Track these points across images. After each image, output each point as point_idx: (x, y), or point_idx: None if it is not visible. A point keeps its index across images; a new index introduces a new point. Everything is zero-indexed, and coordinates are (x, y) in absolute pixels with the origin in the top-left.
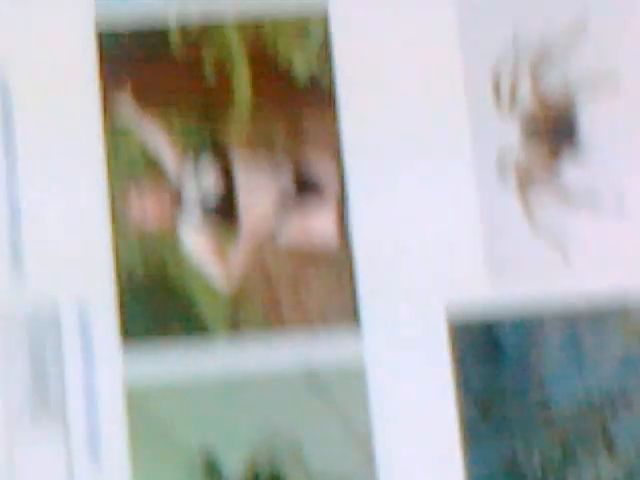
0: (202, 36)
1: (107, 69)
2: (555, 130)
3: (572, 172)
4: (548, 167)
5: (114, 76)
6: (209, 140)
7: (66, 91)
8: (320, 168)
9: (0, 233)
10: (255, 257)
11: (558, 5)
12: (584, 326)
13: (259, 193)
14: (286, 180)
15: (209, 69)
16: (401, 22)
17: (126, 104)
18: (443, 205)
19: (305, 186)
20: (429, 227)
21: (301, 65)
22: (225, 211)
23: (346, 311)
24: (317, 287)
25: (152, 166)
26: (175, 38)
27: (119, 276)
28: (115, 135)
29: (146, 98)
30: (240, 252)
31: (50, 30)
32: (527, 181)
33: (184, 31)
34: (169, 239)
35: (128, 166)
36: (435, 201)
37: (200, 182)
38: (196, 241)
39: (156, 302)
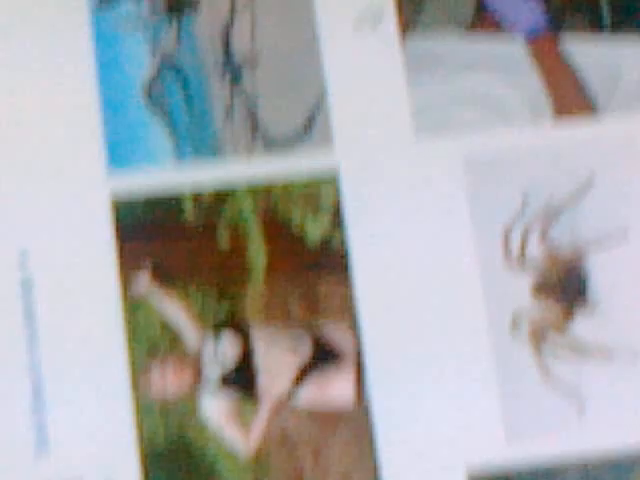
0: (215, 203)
1: (124, 244)
2: (566, 287)
3: (585, 326)
4: (561, 325)
5: (132, 252)
6: (228, 316)
7: (84, 270)
8: (337, 334)
9: (24, 411)
10: (274, 423)
11: (565, 164)
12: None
13: (278, 365)
14: (304, 351)
15: (223, 235)
16: (412, 186)
17: (145, 282)
18: (459, 364)
19: (323, 353)
20: (446, 387)
21: (314, 229)
22: (245, 382)
23: (367, 476)
24: (337, 451)
25: (172, 340)
26: (189, 206)
27: (142, 449)
28: (135, 310)
29: (164, 274)
30: (259, 419)
31: (65, 207)
32: (541, 338)
33: (197, 199)
34: (189, 410)
35: (148, 341)
36: (451, 361)
37: (220, 356)
38: (216, 411)
39: (178, 471)
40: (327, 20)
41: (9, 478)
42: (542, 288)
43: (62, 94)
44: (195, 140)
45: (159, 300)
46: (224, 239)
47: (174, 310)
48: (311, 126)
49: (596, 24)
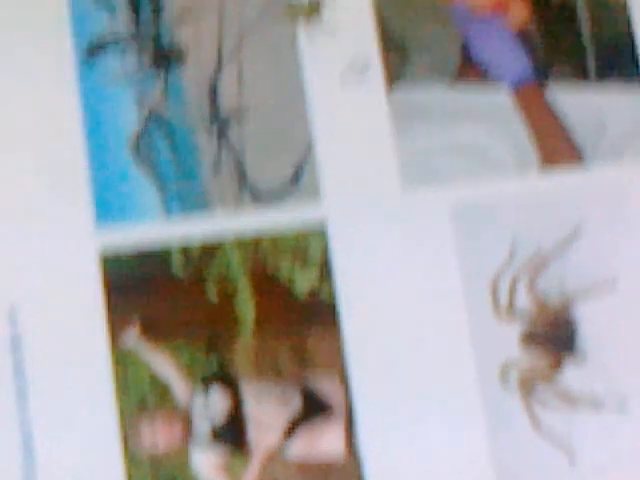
0: (204, 256)
1: (113, 299)
2: (555, 337)
3: (574, 376)
4: (550, 375)
5: (120, 306)
6: (217, 370)
7: (73, 325)
8: (327, 386)
9: (14, 465)
10: (265, 477)
11: (553, 213)
12: None
13: (268, 419)
14: (294, 403)
15: (212, 289)
16: (400, 237)
17: (133, 337)
18: (449, 415)
19: (313, 406)
20: (436, 438)
21: (302, 282)
22: (235, 436)
23: None
24: None
25: (162, 394)
26: (177, 259)
27: None
28: (124, 364)
29: (153, 329)
30: (250, 473)
31: (54, 262)
32: (530, 388)
33: (186, 252)
34: (180, 464)
35: (137, 394)
36: (441, 411)
37: (210, 410)
38: (206, 465)
39: None
40: (314, 72)
41: None
42: (531, 338)
43: (49, 149)
44: (183, 194)
45: (148, 354)
46: (213, 293)
47: (163, 364)
48: (298, 178)
49: (581, 73)
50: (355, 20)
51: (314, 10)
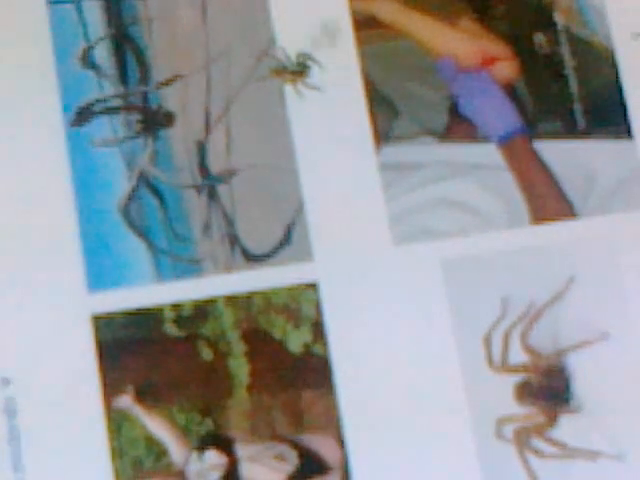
0: (196, 318)
1: (106, 362)
2: (550, 391)
3: (569, 429)
4: (546, 428)
5: (115, 371)
6: (212, 433)
7: (68, 391)
8: (322, 446)
9: None
10: None
11: (544, 266)
12: None
13: None
14: (289, 465)
15: (205, 347)
16: (392, 293)
17: (128, 403)
18: (445, 471)
19: (308, 466)
20: None
21: (295, 340)
22: None
23: None
24: None
25: (158, 456)
26: (169, 321)
27: None
28: (119, 427)
29: (147, 393)
30: None
31: (46, 328)
32: (525, 441)
33: (178, 314)
34: None
35: (133, 457)
36: (438, 467)
37: (205, 473)
38: None
39: None
40: (303, 132)
41: None
42: (525, 392)
43: (38, 213)
44: (174, 256)
45: (143, 418)
46: (206, 353)
47: (158, 427)
48: (290, 238)
49: (570, 126)
50: (343, 79)
51: (300, 74)
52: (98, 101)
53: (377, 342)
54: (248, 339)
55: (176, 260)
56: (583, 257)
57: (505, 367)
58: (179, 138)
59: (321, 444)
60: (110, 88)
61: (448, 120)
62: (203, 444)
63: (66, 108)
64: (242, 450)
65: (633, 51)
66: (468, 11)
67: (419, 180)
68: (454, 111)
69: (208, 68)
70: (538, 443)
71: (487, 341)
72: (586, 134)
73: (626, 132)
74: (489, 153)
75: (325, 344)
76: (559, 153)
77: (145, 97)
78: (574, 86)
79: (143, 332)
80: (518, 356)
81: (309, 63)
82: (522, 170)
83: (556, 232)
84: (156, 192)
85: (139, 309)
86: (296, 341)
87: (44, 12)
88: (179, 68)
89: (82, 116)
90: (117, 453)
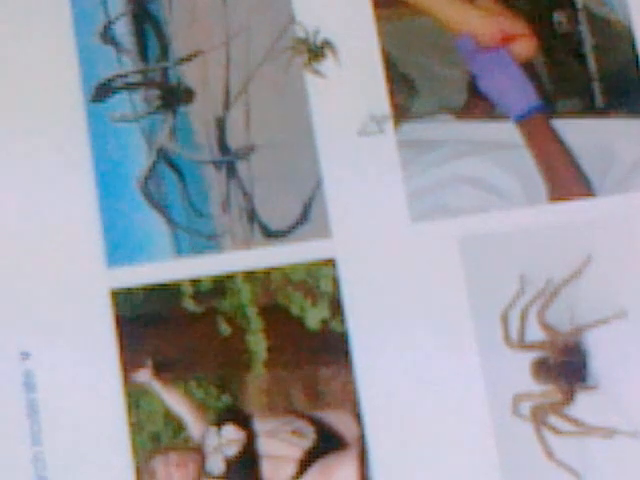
0: (214, 293)
1: (125, 337)
2: (567, 368)
3: (586, 405)
4: (562, 406)
5: (133, 345)
6: (230, 409)
7: (87, 365)
8: (339, 421)
9: None
10: None
11: (562, 244)
12: None
13: (281, 456)
14: (307, 440)
15: (223, 325)
16: (409, 269)
17: (147, 377)
18: (461, 448)
19: (325, 442)
20: (450, 471)
21: (313, 316)
22: (248, 474)
23: None
24: None
25: (175, 431)
26: (188, 297)
27: None
28: (137, 401)
29: (166, 368)
30: None
31: (66, 303)
32: (542, 419)
33: (196, 287)
34: None
35: (151, 431)
36: (454, 444)
37: (222, 449)
38: None
39: None
40: (321, 109)
41: None
42: (542, 370)
43: (58, 190)
44: (193, 232)
45: (161, 392)
46: (224, 329)
47: (176, 402)
48: (308, 214)
49: (588, 104)
50: (362, 57)
51: (316, 57)
52: (118, 77)
53: (394, 317)
54: (266, 315)
55: (195, 236)
56: (601, 235)
57: (522, 344)
58: (198, 114)
59: (338, 420)
60: (130, 64)
61: (467, 98)
62: (221, 419)
63: (86, 84)
64: (259, 425)
65: None
66: None
67: (437, 158)
68: (473, 89)
69: (228, 44)
70: (555, 420)
71: (504, 318)
72: (604, 112)
73: None
74: (507, 131)
75: (343, 320)
76: (577, 131)
77: (165, 73)
78: (593, 64)
79: (161, 307)
80: (535, 333)
81: (327, 51)
82: (540, 148)
83: (574, 210)
84: (175, 168)
85: (158, 284)
86: (314, 317)
87: None
88: (199, 44)
89: (102, 92)
90: (135, 427)
